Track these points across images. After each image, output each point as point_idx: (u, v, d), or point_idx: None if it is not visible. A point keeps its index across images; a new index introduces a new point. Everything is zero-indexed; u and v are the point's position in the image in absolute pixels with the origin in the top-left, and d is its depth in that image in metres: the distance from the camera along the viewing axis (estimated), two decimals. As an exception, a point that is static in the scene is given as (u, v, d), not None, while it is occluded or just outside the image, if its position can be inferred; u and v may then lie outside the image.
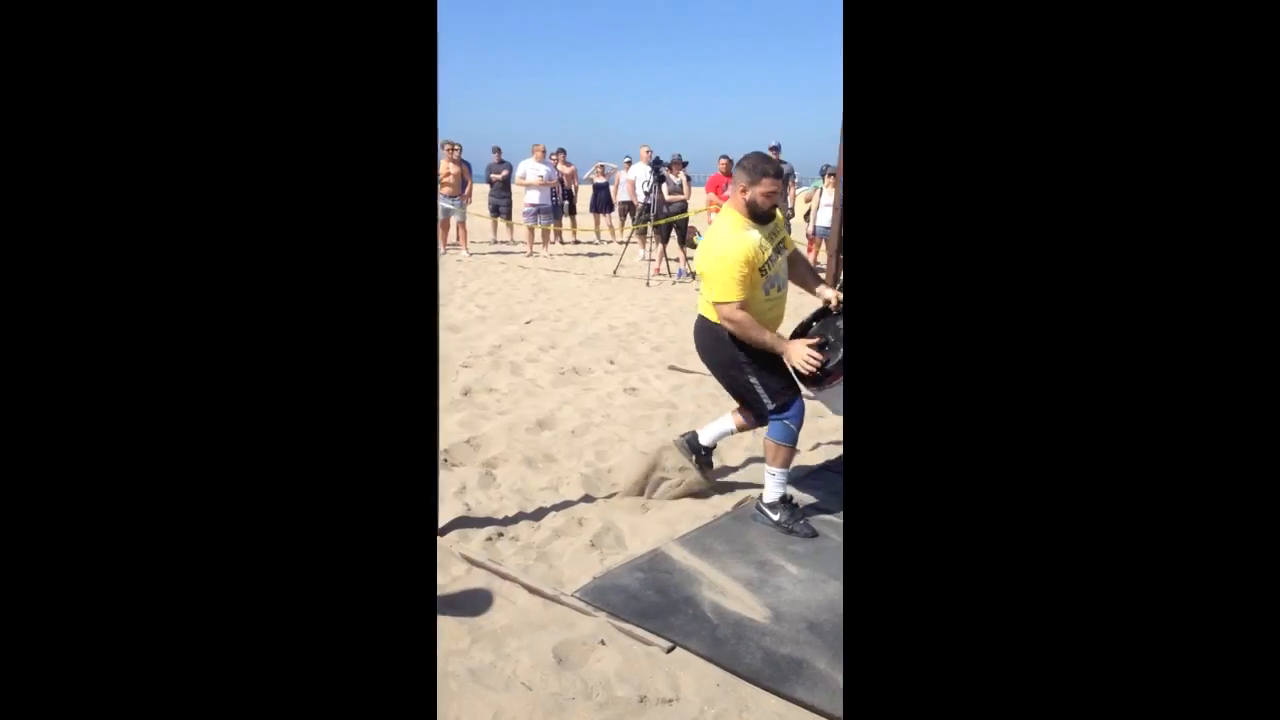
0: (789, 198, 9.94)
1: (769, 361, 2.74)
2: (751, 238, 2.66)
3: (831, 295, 2.87)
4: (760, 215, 2.71)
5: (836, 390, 2.65)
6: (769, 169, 2.66)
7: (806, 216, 10.01)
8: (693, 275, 9.34)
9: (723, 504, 3.02)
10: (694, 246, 11.12)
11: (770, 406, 2.76)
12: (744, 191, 2.68)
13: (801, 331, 2.88)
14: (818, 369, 2.64)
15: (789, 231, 2.81)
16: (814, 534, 2.74)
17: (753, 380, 2.76)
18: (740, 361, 2.77)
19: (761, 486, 2.90)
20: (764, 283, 2.72)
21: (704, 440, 3.08)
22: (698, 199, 10.53)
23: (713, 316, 2.76)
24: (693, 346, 3.03)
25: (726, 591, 2.36)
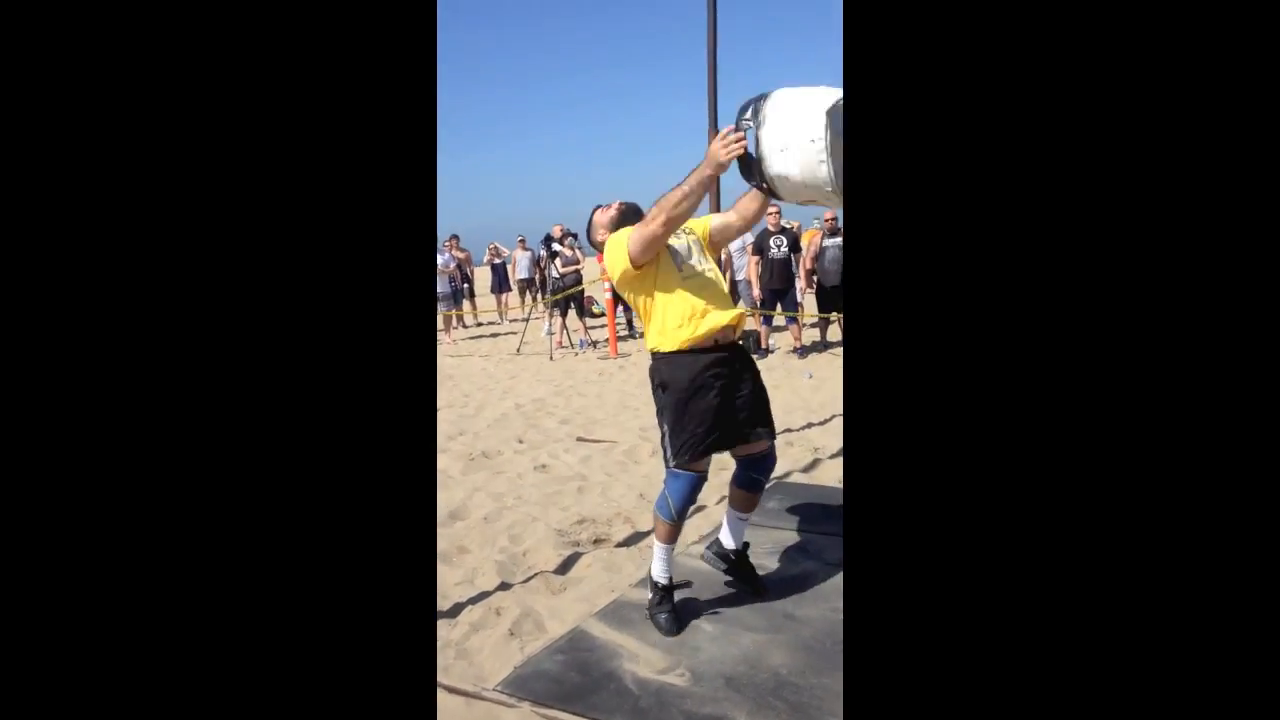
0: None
1: (682, 414, 2.50)
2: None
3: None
4: None
5: (794, 156, 2.15)
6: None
7: None
8: (594, 345, 9.45)
9: (636, 572, 3.05)
10: (593, 316, 11.28)
11: (670, 464, 2.55)
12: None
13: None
14: (746, 152, 2.23)
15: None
16: (676, 630, 2.54)
17: (664, 429, 2.56)
18: (660, 407, 2.58)
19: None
20: (673, 259, 2.51)
21: (728, 544, 2.86)
22: (591, 269, 10.72)
23: (660, 345, 2.54)
24: (600, 415, 3.04)
25: (646, 660, 2.39)
